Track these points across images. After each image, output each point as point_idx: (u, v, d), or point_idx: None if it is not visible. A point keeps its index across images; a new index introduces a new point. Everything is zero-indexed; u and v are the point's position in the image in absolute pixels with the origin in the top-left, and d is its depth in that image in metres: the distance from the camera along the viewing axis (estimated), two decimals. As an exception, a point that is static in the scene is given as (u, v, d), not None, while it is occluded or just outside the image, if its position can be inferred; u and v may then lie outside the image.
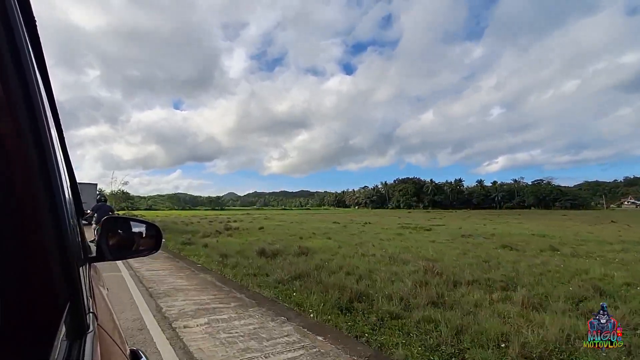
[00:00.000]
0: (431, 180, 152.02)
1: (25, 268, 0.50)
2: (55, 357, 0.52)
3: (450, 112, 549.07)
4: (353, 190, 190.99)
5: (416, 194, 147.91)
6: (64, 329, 0.58)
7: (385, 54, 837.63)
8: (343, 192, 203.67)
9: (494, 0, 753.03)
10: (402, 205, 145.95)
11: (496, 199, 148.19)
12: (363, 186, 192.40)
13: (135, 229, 1.38)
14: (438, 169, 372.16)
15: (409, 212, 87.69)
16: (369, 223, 30.90)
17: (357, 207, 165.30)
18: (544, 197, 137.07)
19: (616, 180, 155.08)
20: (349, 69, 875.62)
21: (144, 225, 1.44)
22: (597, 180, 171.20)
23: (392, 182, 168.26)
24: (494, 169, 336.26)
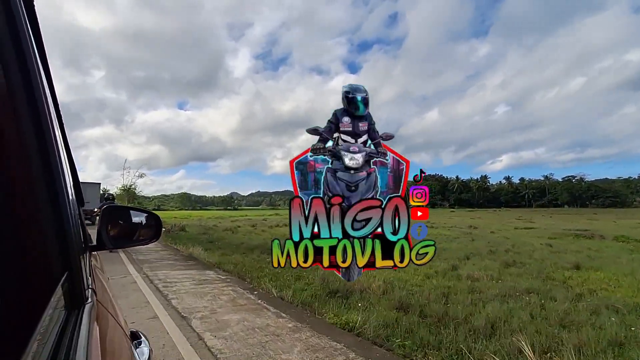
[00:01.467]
0: (457, 177, 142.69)
1: (24, 242, 0.53)
2: (50, 323, 0.54)
3: (454, 111, 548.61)
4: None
5: (440, 192, 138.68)
6: (62, 300, 0.61)
7: (390, 52, 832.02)
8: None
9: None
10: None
11: (526, 196, 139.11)
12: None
13: (135, 219, 1.36)
14: (441, 167, 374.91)
15: (452, 211, 78.77)
16: (476, 227, 22.93)
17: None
18: (579, 194, 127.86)
19: (631, 177, 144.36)
20: (353, 68, 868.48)
21: (144, 214, 1.41)
22: (606, 178, 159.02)
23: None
24: (498, 168, 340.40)
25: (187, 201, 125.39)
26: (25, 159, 0.52)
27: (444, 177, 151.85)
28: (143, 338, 1.26)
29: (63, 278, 0.61)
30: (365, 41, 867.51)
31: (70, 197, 0.77)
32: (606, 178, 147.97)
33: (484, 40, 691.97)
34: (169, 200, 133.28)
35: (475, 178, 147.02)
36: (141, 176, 38.57)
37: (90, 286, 0.90)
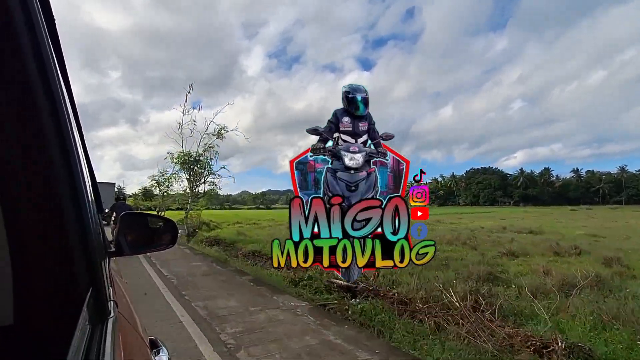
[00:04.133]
0: (521, 169, 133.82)
1: (50, 258, 0.56)
2: (78, 340, 0.55)
3: (469, 108, 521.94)
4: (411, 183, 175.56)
5: (501, 187, 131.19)
6: (87, 314, 0.62)
7: (405, 48, 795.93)
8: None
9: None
10: (481, 202, 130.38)
11: (600, 192, 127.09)
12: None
13: (151, 225, 1.47)
14: (454, 165, 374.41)
15: (574, 209, 66.69)
16: None
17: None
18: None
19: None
20: (367, 65, 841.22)
21: (160, 220, 1.53)
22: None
23: (463, 173, 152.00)
24: (512, 164, 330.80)
25: (215, 199, 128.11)
26: (47, 160, 0.54)
27: (498, 170, 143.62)
28: (162, 346, 1.31)
29: (88, 294, 0.63)
30: (380, 37, 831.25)
31: (92, 204, 0.80)
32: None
33: (502, 34, 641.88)
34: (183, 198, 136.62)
35: (538, 171, 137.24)
36: (219, 135, 16.31)
37: (112, 298, 0.94)
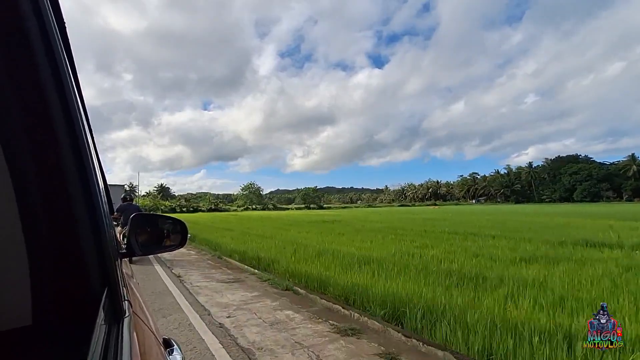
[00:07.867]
0: (632, 155, 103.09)
1: (66, 258, 0.58)
2: (96, 339, 0.57)
3: (481, 102, 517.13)
4: (472, 177, 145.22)
5: (606, 179, 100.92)
6: (103, 314, 0.64)
7: (420, 44, 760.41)
8: (438, 182, 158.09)
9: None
10: (577, 197, 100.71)
11: None
12: (470, 173, 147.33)
13: (161, 226, 1.49)
14: (464, 162, 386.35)
15: None
16: None
17: (474, 202, 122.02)
18: None
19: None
20: (379, 62, 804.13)
21: (170, 221, 1.55)
22: None
23: (540, 164, 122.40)
24: (523, 160, 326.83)
25: (255, 197, 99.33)
26: (61, 164, 0.55)
27: (588, 158, 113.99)
28: (175, 346, 1.29)
29: (104, 294, 0.63)
30: (394, 33, 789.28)
31: (104, 205, 0.80)
32: None
33: (517, 27, 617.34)
34: (199, 198, 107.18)
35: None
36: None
37: (126, 298, 0.93)
